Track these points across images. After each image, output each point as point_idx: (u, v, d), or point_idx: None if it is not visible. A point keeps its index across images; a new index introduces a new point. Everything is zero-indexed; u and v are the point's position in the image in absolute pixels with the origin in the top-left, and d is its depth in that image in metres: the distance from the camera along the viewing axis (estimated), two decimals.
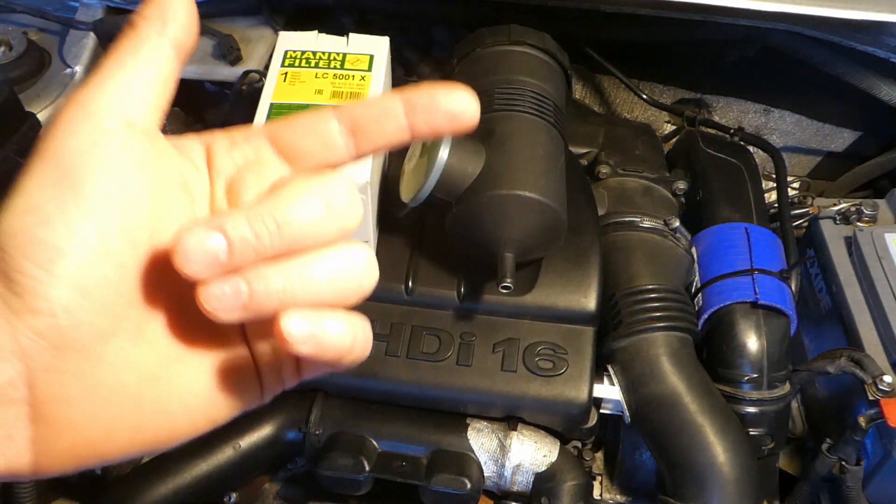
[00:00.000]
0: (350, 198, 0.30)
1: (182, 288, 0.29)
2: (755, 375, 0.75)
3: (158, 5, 0.33)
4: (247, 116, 0.71)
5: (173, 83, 0.32)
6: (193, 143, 0.33)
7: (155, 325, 0.30)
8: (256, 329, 0.33)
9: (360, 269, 0.31)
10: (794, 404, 0.87)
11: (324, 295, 0.29)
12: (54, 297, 0.27)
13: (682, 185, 0.89)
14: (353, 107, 0.33)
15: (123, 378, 0.29)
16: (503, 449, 0.72)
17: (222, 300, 0.28)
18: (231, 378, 0.32)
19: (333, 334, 0.29)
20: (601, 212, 0.84)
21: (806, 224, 0.95)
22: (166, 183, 0.30)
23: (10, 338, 0.27)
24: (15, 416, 0.28)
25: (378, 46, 0.76)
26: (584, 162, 0.93)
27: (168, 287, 0.30)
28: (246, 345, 0.33)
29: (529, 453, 0.72)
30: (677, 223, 0.82)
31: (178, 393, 0.31)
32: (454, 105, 0.31)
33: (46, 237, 0.27)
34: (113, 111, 0.29)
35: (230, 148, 0.33)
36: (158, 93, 0.31)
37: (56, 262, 0.27)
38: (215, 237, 0.27)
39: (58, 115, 0.29)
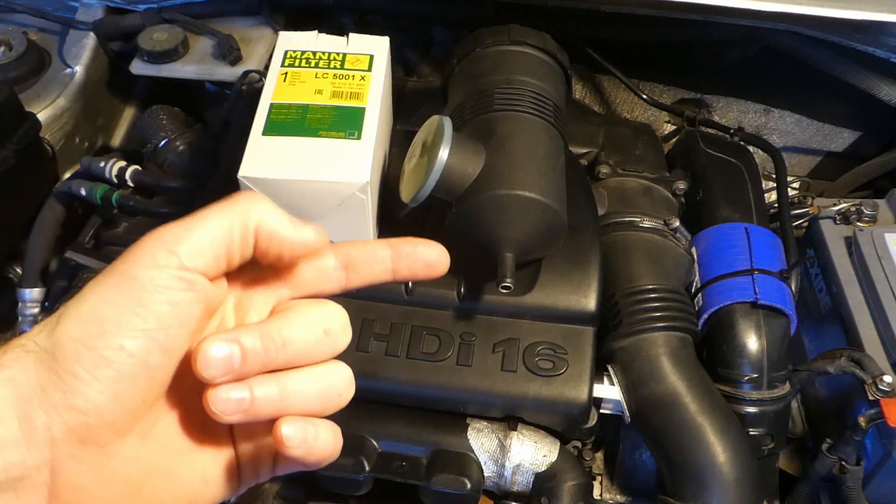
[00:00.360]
0: (344, 325, 0.36)
1: (189, 392, 0.34)
2: (755, 375, 0.75)
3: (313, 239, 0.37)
4: (247, 116, 0.71)
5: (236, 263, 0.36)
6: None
7: (163, 423, 0.35)
8: (243, 431, 0.37)
9: (343, 386, 0.36)
10: (794, 404, 0.87)
11: (312, 405, 0.34)
12: (91, 398, 0.31)
13: (682, 185, 0.89)
14: (349, 247, 0.38)
15: (131, 470, 0.33)
16: (503, 449, 0.72)
17: (228, 404, 0.32)
18: (217, 473, 0.36)
19: (323, 441, 0.34)
20: (601, 212, 0.84)
21: (806, 224, 0.95)
22: (205, 313, 0.35)
23: (46, 429, 0.30)
24: (35, 498, 0.31)
25: (378, 46, 0.76)
26: (584, 162, 0.93)
27: (178, 390, 0.34)
28: (232, 445, 0.37)
29: (529, 453, 0.72)
30: (677, 223, 0.82)
31: (172, 485, 0.35)
32: (431, 257, 0.39)
33: (100, 348, 0.31)
34: (192, 257, 0.33)
35: (243, 271, 0.37)
36: (225, 257, 0.34)
37: (102, 369, 0.31)
38: (233, 347, 0.32)
39: (142, 244, 0.33)
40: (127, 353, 0.31)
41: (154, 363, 0.32)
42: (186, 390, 0.34)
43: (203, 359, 0.31)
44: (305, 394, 0.34)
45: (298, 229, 0.35)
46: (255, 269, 0.37)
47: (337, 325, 0.35)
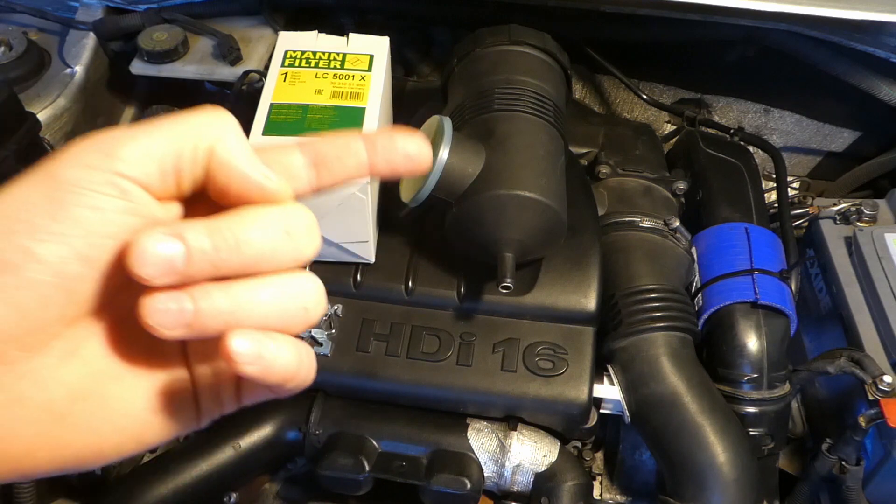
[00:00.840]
0: (310, 228, 0.30)
1: (126, 304, 0.29)
2: (755, 375, 0.75)
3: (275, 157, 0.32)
4: (247, 116, 0.71)
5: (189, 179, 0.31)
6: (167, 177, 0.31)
7: (93, 342, 0.30)
8: (198, 350, 0.32)
9: (309, 298, 0.30)
10: (794, 404, 0.87)
11: (270, 320, 0.29)
12: None
13: (682, 185, 0.89)
14: (317, 141, 0.33)
15: (50, 394, 0.29)
16: (503, 449, 0.72)
17: (167, 315, 0.27)
18: (168, 400, 0.31)
19: (281, 357, 0.29)
20: (601, 212, 0.84)
21: (806, 224, 0.95)
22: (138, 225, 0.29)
23: None
24: None
25: (378, 46, 0.76)
26: (584, 162, 0.93)
27: (113, 302, 0.29)
28: (186, 366, 0.32)
29: (529, 453, 0.72)
30: (677, 223, 0.82)
31: (110, 412, 0.30)
32: (410, 148, 0.33)
33: (2, 250, 0.27)
34: (130, 164, 0.28)
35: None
36: (173, 174, 0.30)
37: (3, 275, 0.26)
38: (174, 243, 0.27)
39: (76, 144, 0.28)
40: (35, 258, 0.26)
41: (71, 273, 0.27)
42: (126, 307, 0.29)
43: (138, 255, 0.26)
44: (263, 306, 0.29)
45: (257, 168, 0.29)
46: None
47: (300, 226, 0.30)
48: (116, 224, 0.28)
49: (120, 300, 0.29)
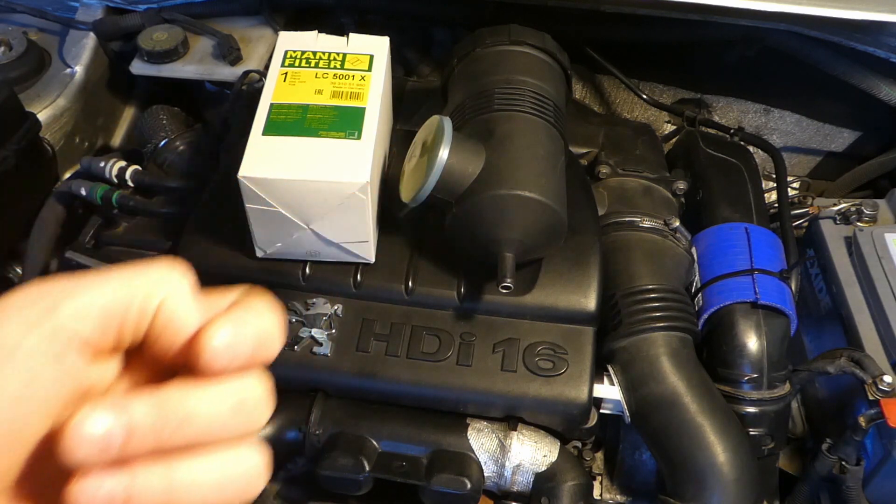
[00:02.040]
0: (263, 400, 0.28)
1: (48, 479, 0.26)
2: (755, 375, 0.75)
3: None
4: (247, 117, 0.71)
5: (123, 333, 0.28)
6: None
7: None
8: None
9: (252, 478, 0.28)
10: (794, 404, 0.87)
11: (208, 500, 0.27)
12: None
13: (682, 185, 0.89)
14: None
15: None
16: (503, 449, 0.72)
17: (96, 500, 0.24)
18: None
19: None
20: (601, 212, 0.84)
21: (806, 224, 0.95)
22: (76, 396, 0.27)
23: None
24: None
25: (378, 46, 0.76)
26: (584, 162, 0.93)
27: (32, 477, 0.26)
28: None
29: (529, 453, 0.72)
30: (677, 223, 0.82)
31: None
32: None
33: None
34: (71, 317, 0.26)
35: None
36: (114, 327, 0.27)
37: None
38: (119, 419, 0.24)
39: (20, 295, 0.26)
40: None
41: None
42: (48, 483, 0.26)
43: (73, 435, 0.23)
44: (201, 488, 0.26)
45: (205, 325, 0.27)
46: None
47: (254, 396, 0.27)
48: (46, 391, 0.25)
49: (42, 474, 0.26)
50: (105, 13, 1.05)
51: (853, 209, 0.90)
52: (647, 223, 0.82)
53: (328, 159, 0.66)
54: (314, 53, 0.75)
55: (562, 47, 0.82)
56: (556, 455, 0.72)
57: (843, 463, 0.73)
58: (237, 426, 0.27)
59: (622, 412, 0.74)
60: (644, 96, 1.07)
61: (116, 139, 1.11)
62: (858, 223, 0.89)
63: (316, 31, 0.77)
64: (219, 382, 0.27)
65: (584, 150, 0.94)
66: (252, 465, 0.28)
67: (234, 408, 0.27)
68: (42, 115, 0.95)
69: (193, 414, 0.26)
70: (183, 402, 0.26)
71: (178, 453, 0.26)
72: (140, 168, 0.94)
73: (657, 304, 0.75)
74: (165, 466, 0.26)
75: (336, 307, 0.73)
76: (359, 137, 0.68)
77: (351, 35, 0.77)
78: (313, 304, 0.73)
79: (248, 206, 0.67)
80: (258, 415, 0.28)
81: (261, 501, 0.77)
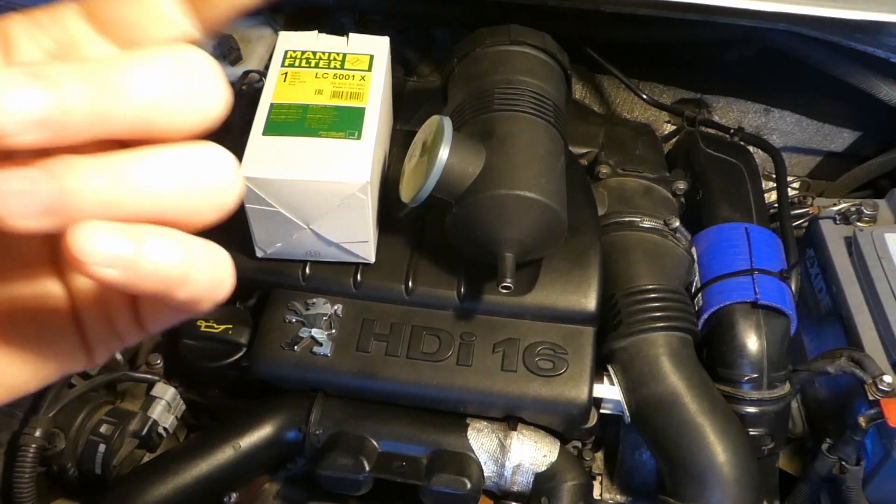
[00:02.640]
0: (212, 70, 0.21)
1: None
2: (755, 375, 0.75)
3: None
4: (247, 117, 0.71)
5: None
6: None
7: None
8: None
9: (218, 177, 0.22)
10: (794, 404, 0.87)
11: (163, 207, 0.21)
12: None
13: (682, 185, 0.89)
14: None
15: None
16: (503, 449, 0.72)
17: (17, 198, 0.18)
18: (38, 330, 0.23)
19: (154, 255, 0.20)
20: (601, 212, 0.84)
21: (806, 224, 0.95)
22: None
23: None
24: None
25: (378, 46, 0.76)
26: (584, 162, 0.93)
27: None
28: (59, 278, 0.24)
29: (529, 453, 0.72)
30: (677, 223, 0.82)
31: None
32: None
33: None
34: None
35: (34, 32, 0.22)
36: None
37: None
38: (39, 86, 0.18)
39: None
40: None
41: None
42: None
43: None
44: (152, 185, 0.20)
45: None
46: (54, 25, 0.22)
47: (199, 66, 0.21)
48: None
49: None
50: None
51: (853, 209, 0.90)
52: (647, 223, 0.82)
53: (328, 159, 0.66)
54: (314, 53, 0.75)
55: (562, 47, 0.82)
56: (556, 455, 0.72)
57: (843, 463, 0.73)
58: (188, 103, 0.21)
59: (622, 412, 0.74)
60: (644, 96, 1.07)
61: None
62: (858, 223, 0.89)
63: (316, 31, 0.77)
64: (154, 50, 0.21)
65: (584, 150, 0.94)
66: (217, 162, 0.22)
67: (180, 74, 0.21)
68: None
69: (132, 83, 0.20)
70: (120, 68, 0.20)
71: (112, 146, 0.21)
72: None
73: (657, 304, 0.75)
74: (105, 157, 0.20)
75: (336, 307, 0.73)
76: (359, 137, 0.68)
77: (351, 35, 0.77)
78: (313, 304, 0.73)
79: (247, 206, 0.67)
80: (211, 87, 0.21)
81: (261, 501, 0.77)
